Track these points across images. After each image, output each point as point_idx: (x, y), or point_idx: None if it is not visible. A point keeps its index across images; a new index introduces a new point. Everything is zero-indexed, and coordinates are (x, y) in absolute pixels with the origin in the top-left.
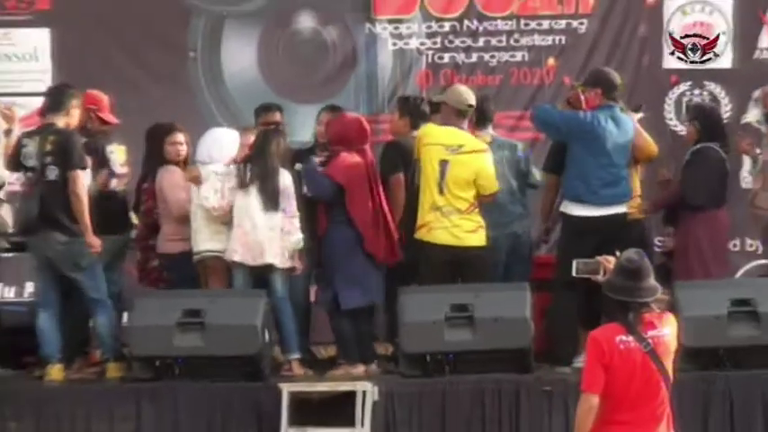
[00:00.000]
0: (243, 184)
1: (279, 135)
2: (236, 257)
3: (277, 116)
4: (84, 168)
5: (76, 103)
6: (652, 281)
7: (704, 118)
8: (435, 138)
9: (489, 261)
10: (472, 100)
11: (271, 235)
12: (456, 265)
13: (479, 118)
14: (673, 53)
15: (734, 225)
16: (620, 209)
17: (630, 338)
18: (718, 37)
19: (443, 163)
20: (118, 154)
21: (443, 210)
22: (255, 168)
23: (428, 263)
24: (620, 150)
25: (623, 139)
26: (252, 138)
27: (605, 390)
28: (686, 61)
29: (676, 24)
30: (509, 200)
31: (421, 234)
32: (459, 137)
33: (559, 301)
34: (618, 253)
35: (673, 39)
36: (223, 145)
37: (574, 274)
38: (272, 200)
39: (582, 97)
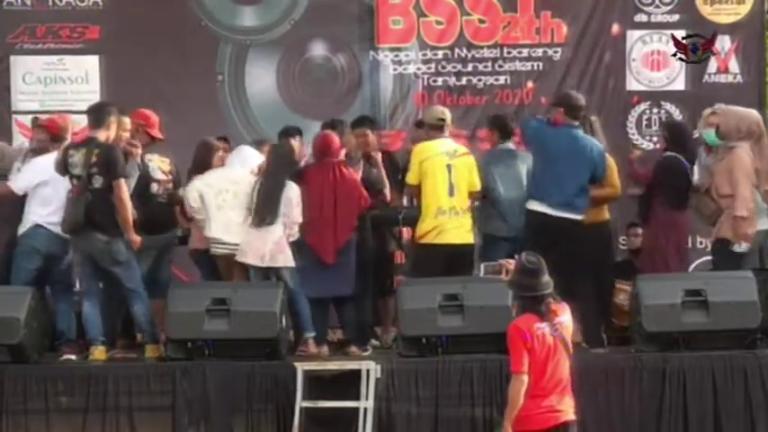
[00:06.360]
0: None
1: (285, 152)
2: (248, 260)
3: (296, 140)
4: (126, 177)
5: (114, 119)
6: (547, 276)
7: (670, 130)
8: (435, 149)
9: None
10: (444, 115)
11: (273, 243)
12: (452, 259)
13: (503, 133)
14: (675, 55)
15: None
16: (569, 214)
17: (544, 325)
18: (715, 35)
19: (449, 167)
20: (156, 163)
21: (452, 211)
22: (264, 186)
23: (431, 262)
24: (574, 163)
25: (579, 155)
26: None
27: (528, 369)
28: (647, 83)
29: (637, 52)
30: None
31: (429, 238)
32: (452, 144)
33: None
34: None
35: (675, 40)
36: (248, 159)
37: (481, 275)
38: (271, 216)
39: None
